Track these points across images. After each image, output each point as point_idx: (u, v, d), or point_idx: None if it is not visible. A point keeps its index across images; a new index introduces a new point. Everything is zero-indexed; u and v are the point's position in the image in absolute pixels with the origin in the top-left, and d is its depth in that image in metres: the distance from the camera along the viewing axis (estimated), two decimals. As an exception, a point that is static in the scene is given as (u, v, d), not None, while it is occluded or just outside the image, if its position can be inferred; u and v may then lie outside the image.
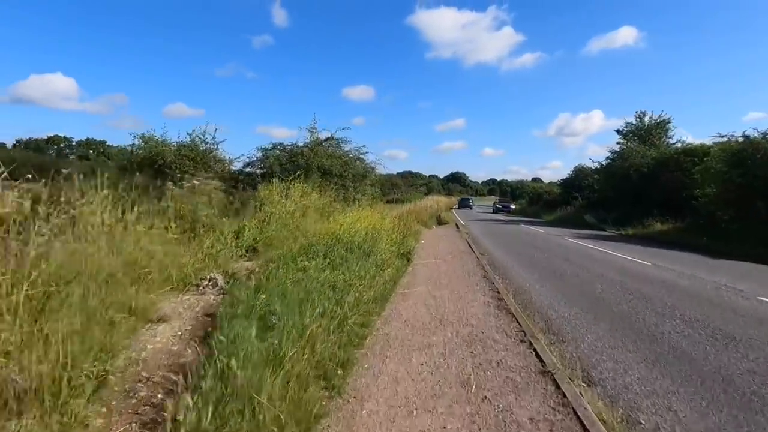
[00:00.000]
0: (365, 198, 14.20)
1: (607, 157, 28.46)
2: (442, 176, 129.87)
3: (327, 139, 14.53)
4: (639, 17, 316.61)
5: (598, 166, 29.91)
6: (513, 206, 45.44)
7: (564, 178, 37.98)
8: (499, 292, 6.44)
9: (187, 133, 12.35)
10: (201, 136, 12.47)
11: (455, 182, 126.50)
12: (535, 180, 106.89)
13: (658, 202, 21.16)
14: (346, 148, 14.91)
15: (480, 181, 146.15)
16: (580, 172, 34.63)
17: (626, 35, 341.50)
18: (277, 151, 13.74)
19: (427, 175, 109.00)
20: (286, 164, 12.51)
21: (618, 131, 30.29)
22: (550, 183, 60.79)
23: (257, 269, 4.93)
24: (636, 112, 29.31)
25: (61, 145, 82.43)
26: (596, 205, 27.80)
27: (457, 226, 20.97)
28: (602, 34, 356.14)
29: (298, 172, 10.46)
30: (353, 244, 6.58)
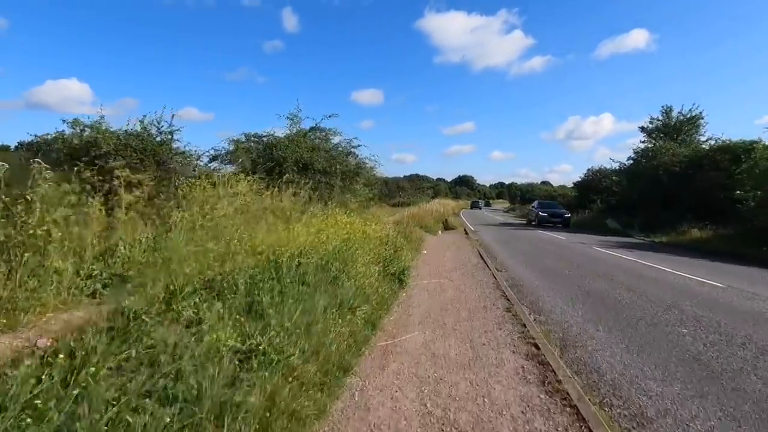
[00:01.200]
0: (355, 199, 11.82)
1: (630, 157, 25.95)
2: (449, 179, 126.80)
3: (312, 129, 12.24)
4: (651, 20, 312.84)
5: (620, 167, 27.35)
6: (569, 214, 25.70)
7: (578, 180, 35.32)
8: (537, 346, 4.06)
9: (139, 120, 10.24)
10: (156, 124, 10.32)
11: (463, 185, 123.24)
12: (545, 183, 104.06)
13: (692, 206, 18.86)
14: (335, 140, 12.61)
15: (488, 185, 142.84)
16: (597, 174, 31.96)
17: (638, 38, 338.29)
18: (251, 143, 11.50)
19: (435, 178, 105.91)
20: (258, 158, 10.24)
21: (642, 128, 27.63)
22: (561, 186, 58.05)
23: (91, 327, 2.54)
24: (662, 107, 26.59)
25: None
26: (617, 208, 25.28)
27: (466, 232, 18.56)
28: (613, 37, 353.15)
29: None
30: (309, 266, 4.25)
